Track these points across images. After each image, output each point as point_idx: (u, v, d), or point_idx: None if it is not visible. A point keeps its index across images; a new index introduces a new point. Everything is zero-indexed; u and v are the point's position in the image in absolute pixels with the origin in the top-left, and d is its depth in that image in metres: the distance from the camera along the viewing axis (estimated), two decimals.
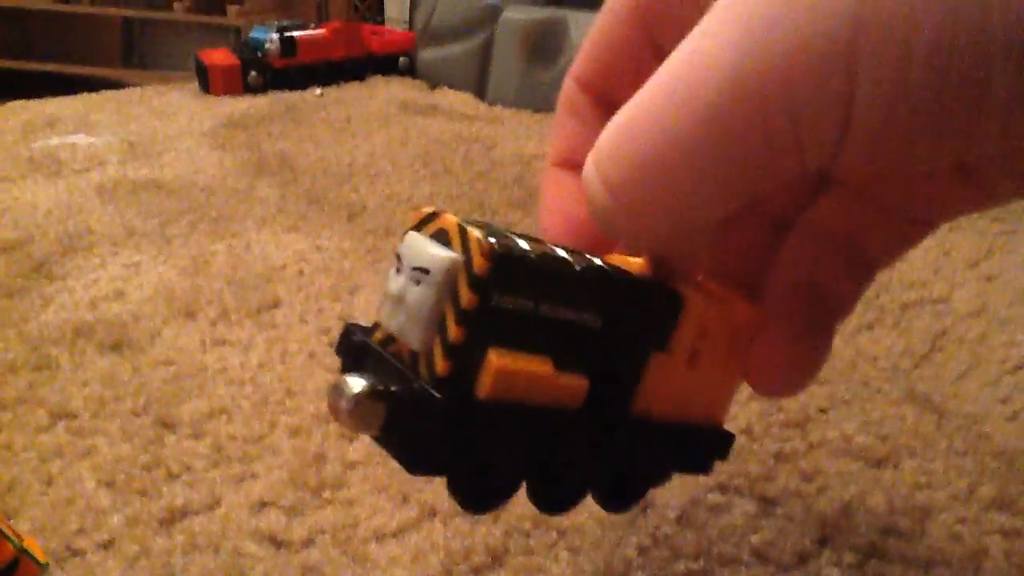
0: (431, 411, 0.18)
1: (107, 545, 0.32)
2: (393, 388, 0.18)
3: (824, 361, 0.23)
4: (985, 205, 0.22)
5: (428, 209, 0.19)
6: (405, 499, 0.34)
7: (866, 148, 0.16)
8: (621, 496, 0.23)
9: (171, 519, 0.33)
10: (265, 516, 0.33)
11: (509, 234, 0.19)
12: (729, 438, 0.25)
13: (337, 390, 0.18)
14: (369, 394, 0.18)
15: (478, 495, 0.20)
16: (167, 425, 0.38)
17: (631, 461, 0.23)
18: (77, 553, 0.31)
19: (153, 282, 0.52)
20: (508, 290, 0.18)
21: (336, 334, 0.44)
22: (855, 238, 0.23)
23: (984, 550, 0.31)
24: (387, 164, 0.73)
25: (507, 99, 0.97)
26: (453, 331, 0.18)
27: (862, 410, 0.39)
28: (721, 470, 0.35)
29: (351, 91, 1.02)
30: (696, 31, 0.17)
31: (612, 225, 0.19)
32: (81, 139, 0.82)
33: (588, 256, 0.20)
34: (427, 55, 1.10)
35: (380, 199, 0.65)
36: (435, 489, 0.34)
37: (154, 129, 0.86)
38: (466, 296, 0.17)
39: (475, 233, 0.18)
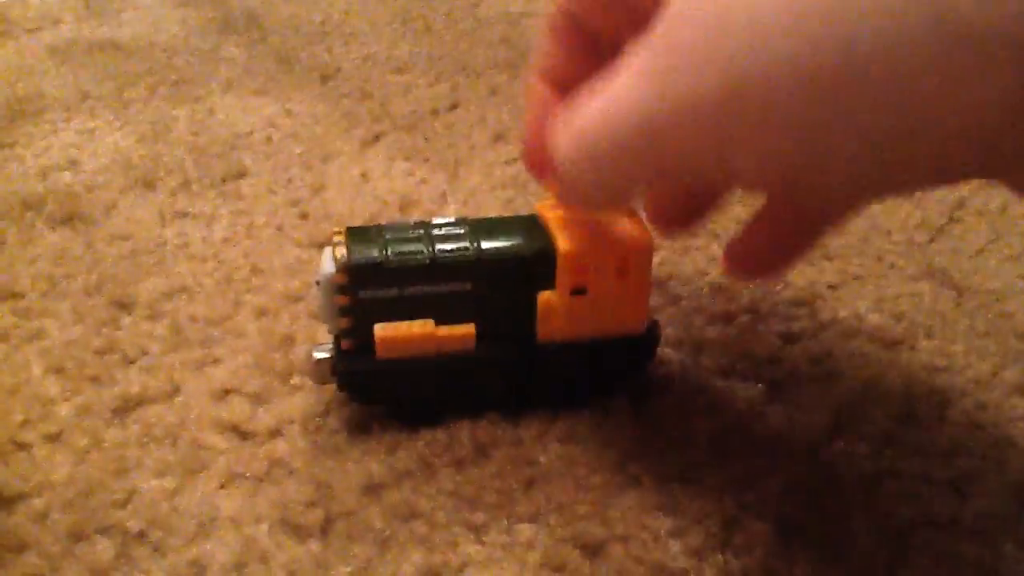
0: (351, 369, 0.28)
1: (55, 437, 0.29)
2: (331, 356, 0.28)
3: (800, 256, 0.25)
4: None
5: (338, 230, 0.28)
6: None
7: (754, 176, 0.19)
8: (568, 399, 0.30)
9: (125, 408, 0.30)
10: (228, 404, 0.30)
11: (388, 239, 0.28)
12: (650, 342, 0.30)
13: (308, 355, 0.29)
14: (320, 360, 0.28)
15: (408, 417, 0.29)
16: (122, 306, 0.35)
17: (554, 376, 0.29)
18: (22, 446, 0.29)
19: (109, 150, 0.48)
20: (369, 287, 0.27)
21: (307, 206, 0.40)
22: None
23: (1008, 439, 0.29)
24: (363, 22, 0.68)
25: None
26: (340, 321, 0.28)
27: (876, 287, 0.36)
28: (725, 353, 0.32)
29: None
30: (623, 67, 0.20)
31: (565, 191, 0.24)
32: None
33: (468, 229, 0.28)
34: None
35: (356, 61, 0.60)
36: None
37: None
38: (339, 298, 0.27)
39: (339, 252, 0.27)
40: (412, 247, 0.27)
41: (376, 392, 0.29)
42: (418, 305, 0.28)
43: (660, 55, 0.19)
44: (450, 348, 0.28)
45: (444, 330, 0.28)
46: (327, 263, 0.27)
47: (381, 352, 0.28)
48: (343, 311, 0.27)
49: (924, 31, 0.15)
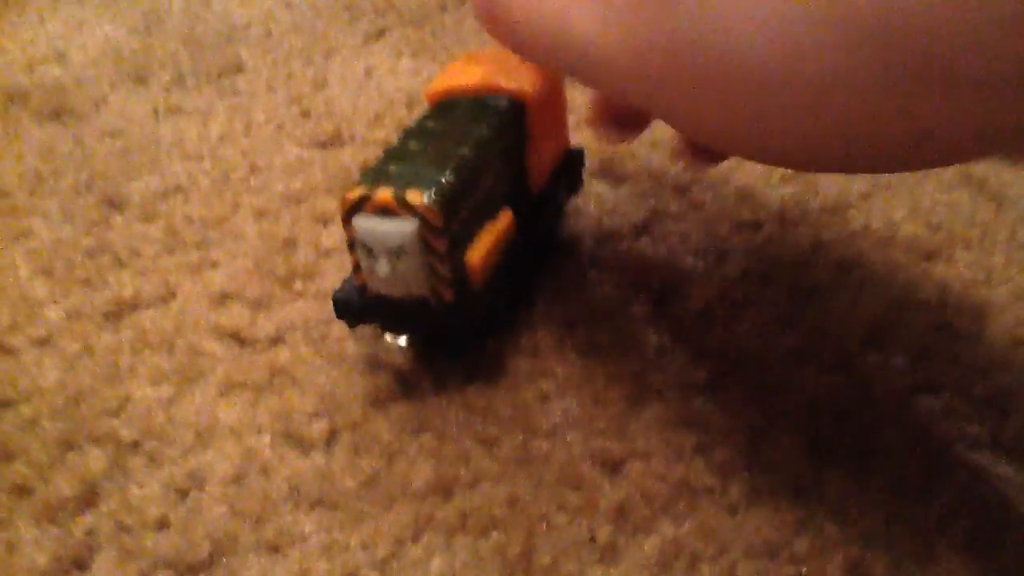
0: (462, 319, 0.24)
1: (43, 342, 0.28)
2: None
3: None
4: None
5: (357, 193, 0.23)
6: None
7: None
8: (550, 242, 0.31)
9: (118, 312, 0.29)
10: (226, 310, 0.29)
11: (418, 161, 0.24)
12: (579, 152, 0.31)
13: (388, 347, 0.27)
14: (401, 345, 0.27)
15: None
16: (114, 205, 0.33)
17: (543, 224, 0.30)
18: (9, 351, 0.27)
19: (98, 42, 0.45)
20: (454, 215, 0.23)
21: (308, 103, 0.38)
22: None
23: None
24: None
25: None
26: (445, 270, 0.23)
27: (910, 196, 0.34)
28: (749, 257, 0.31)
29: None
30: None
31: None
32: None
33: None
34: None
35: None
36: None
37: None
38: (440, 244, 0.23)
39: (414, 198, 0.22)
40: (442, 153, 0.24)
41: (481, 327, 0.27)
42: (473, 217, 0.25)
43: None
44: (509, 240, 0.26)
45: (502, 224, 0.26)
46: (391, 227, 0.23)
47: (477, 282, 0.24)
48: (444, 258, 0.23)
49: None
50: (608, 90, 0.22)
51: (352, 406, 0.25)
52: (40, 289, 0.29)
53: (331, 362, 0.27)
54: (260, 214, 0.33)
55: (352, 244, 0.24)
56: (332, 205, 0.33)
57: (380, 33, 0.46)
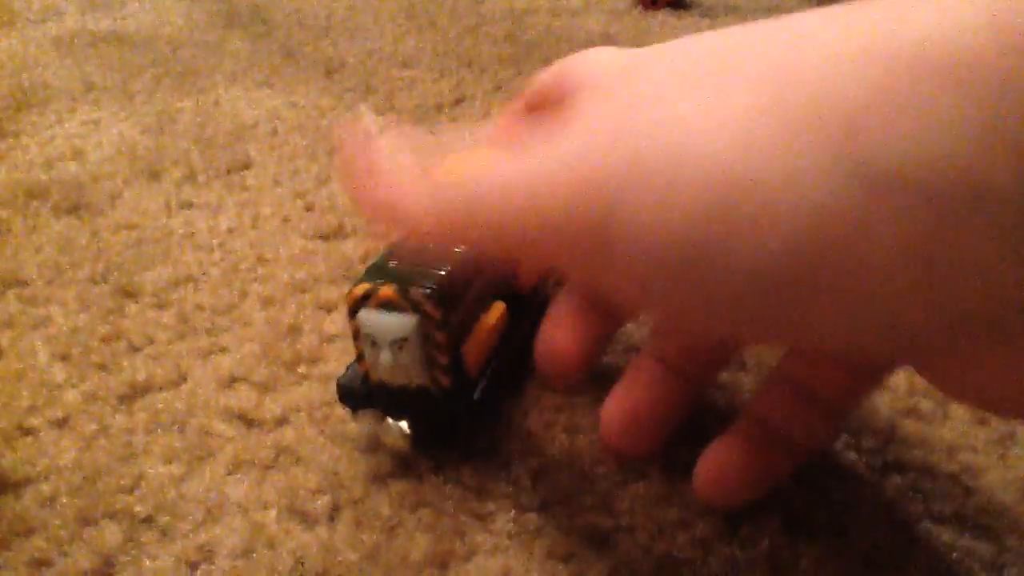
0: (459, 405, 0.26)
1: (62, 423, 0.29)
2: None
3: (772, 483, 0.25)
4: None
5: (362, 289, 0.25)
6: None
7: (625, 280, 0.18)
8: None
9: (132, 395, 0.30)
10: (235, 392, 0.30)
11: (415, 262, 0.25)
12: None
13: (389, 431, 0.27)
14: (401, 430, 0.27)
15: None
16: (128, 294, 0.35)
17: (536, 311, 0.29)
18: (29, 431, 0.29)
19: (114, 140, 0.48)
20: (452, 310, 0.25)
21: (312, 198, 0.40)
22: (812, 384, 0.24)
23: (1011, 434, 0.29)
24: (368, 17, 0.68)
25: None
26: (443, 359, 0.25)
27: None
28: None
29: None
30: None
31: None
32: None
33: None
34: None
35: (360, 55, 0.60)
36: None
37: None
38: (439, 336, 0.25)
39: (415, 294, 0.24)
40: (440, 253, 0.26)
41: (476, 413, 0.27)
42: (471, 305, 0.27)
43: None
44: (500, 332, 0.29)
45: (494, 316, 0.28)
46: (395, 320, 0.25)
47: (472, 370, 0.27)
48: (442, 349, 0.25)
49: (831, 171, 0.15)
50: (552, 250, 0.20)
51: (354, 483, 0.27)
52: (58, 373, 0.31)
53: (334, 442, 0.28)
54: (267, 302, 0.35)
55: (357, 336, 0.25)
56: (335, 294, 0.35)
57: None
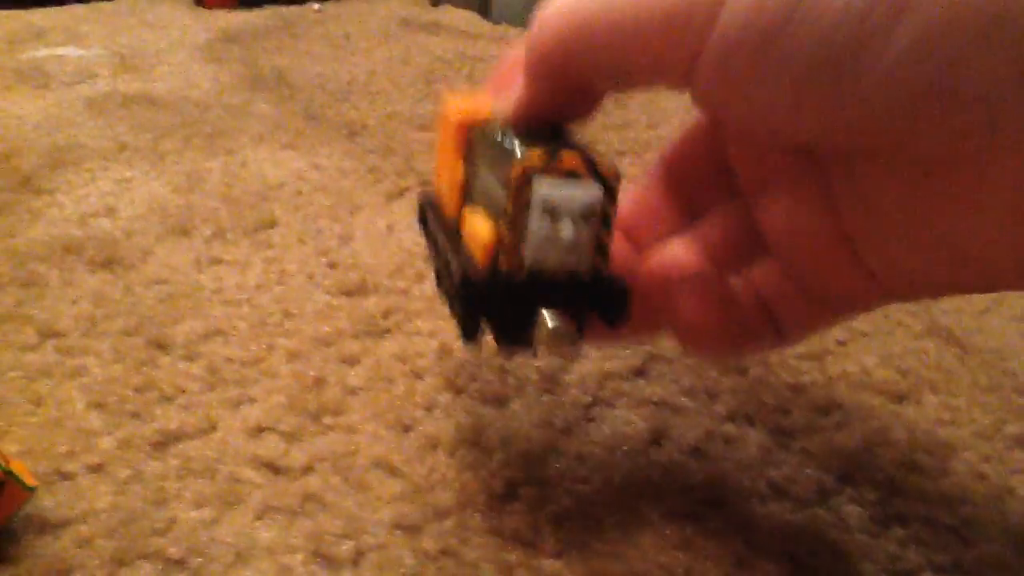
0: (622, 298, 0.23)
1: (98, 468, 0.30)
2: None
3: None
4: (884, 298, 0.23)
5: (538, 155, 0.22)
6: (407, 428, 0.32)
7: (718, 66, 0.19)
8: None
9: (164, 442, 0.32)
10: (263, 441, 0.32)
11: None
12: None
13: (556, 332, 0.22)
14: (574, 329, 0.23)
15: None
16: (160, 346, 0.37)
17: None
18: (67, 476, 0.30)
19: (145, 198, 0.50)
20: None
21: (335, 256, 0.42)
22: (773, 303, 0.25)
23: (1009, 489, 0.30)
24: (387, 82, 0.70)
25: (512, 17, 0.94)
26: (610, 241, 0.22)
27: (883, 343, 0.38)
28: (736, 398, 0.34)
29: (350, 6, 0.99)
30: None
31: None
32: (70, 51, 0.79)
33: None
34: None
35: (381, 118, 0.63)
36: (436, 420, 0.33)
37: (145, 42, 0.83)
38: (614, 211, 0.22)
39: (604, 162, 0.22)
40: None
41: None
42: None
43: None
44: None
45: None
46: (583, 190, 0.22)
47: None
48: (611, 232, 0.23)
49: None
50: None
51: (377, 529, 0.28)
52: (95, 421, 0.32)
53: (357, 489, 0.30)
54: (293, 355, 0.36)
55: (520, 212, 0.22)
56: (358, 348, 0.37)
57: (401, 192, 0.51)
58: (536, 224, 0.22)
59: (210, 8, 0.96)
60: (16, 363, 0.35)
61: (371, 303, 0.40)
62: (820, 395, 0.34)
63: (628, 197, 0.26)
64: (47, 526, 0.28)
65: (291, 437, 0.32)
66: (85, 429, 0.32)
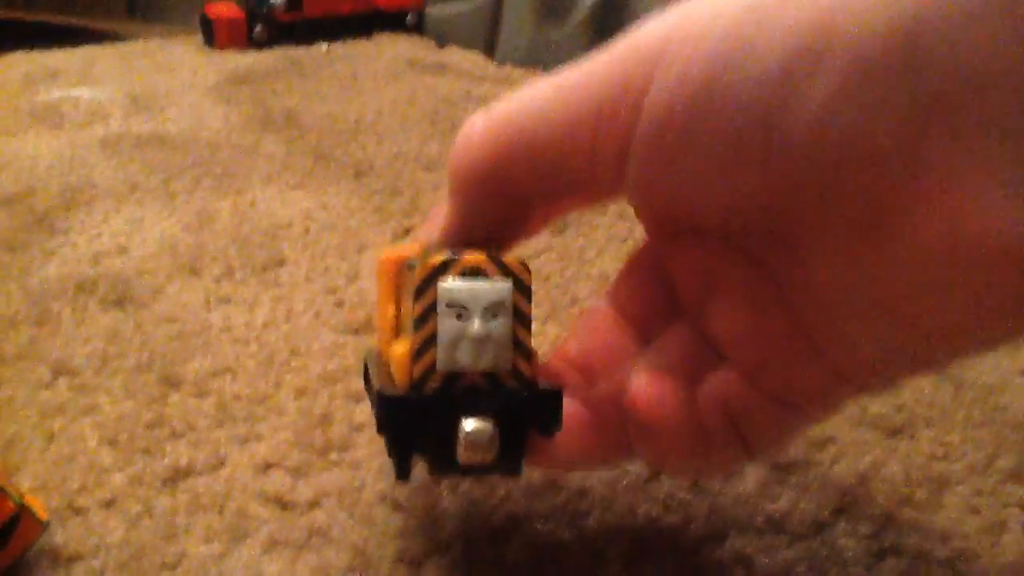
0: (551, 402, 0.22)
1: (109, 503, 0.31)
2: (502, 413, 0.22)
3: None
4: (853, 391, 0.22)
5: (441, 257, 0.22)
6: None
7: (647, 160, 0.19)
8: None
9: (175, 478, 0.32)
10: (270, 477, 0.32)
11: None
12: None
13: (473, 437, 0.21)
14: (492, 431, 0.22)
15: None
16: (171, 383, 0.38)
17: None
18: (79, 511, 0.31)
19: (156, 238, 0.51)
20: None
21: (343, 294, 0.43)
22: (738, 416, 0.23)
23: (1002, 522, 0.31)
24: (395, 122, 0.72)
25: (517, 58, 0.96)
26: (528, 340, 0.22)
27: None
28: None
29: (358, 47, 1.00)
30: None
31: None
32: (83, 92, 0.81)
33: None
34: (435, 12, 1.08)
35: (388, 157, 0.64)
36: None
37: (157, 83, 0.85)
38: (528, 309, 0.22)
39: (509, 257, 0.22)
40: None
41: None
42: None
43: None
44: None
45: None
46: (490, 285, 0.22)
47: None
48: (528, 327, 0.22)
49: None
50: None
51: (382, 563, 0.29)
52: (106, 457, 0.33)
53: (363, 524, 0.30)
54: (300, 392, 0.37)
55: (427, 314, 0.21)
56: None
57: (406, 231, 0.52)
58: (444, 324, 0.21)
59: (220, 49, 0.98)
60: (30, 400, 0.36)
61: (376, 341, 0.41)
62: (816, 430, 0.35)
63: (578, 334, 0.27)
64: (60, 560, 0.29)
65: (298, 472, 0.33)
66: (97, 465, 0.33)
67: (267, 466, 0.33)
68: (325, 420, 0.35)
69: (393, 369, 0.23)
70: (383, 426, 0.23)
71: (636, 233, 0.50)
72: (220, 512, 0.31)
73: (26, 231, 0.51)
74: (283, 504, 0.31)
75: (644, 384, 0.23)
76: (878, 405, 0.36)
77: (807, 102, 0.16)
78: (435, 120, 0.72)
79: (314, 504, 0.31)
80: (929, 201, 0.16)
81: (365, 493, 0.32)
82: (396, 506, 0.31)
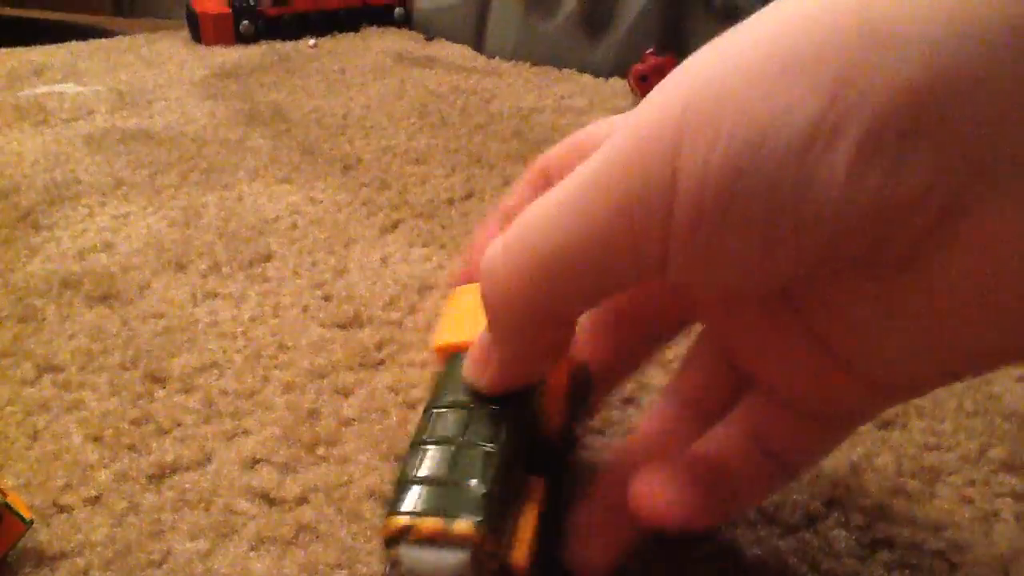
0: None
1: (95, 501, 0.31)
2: None
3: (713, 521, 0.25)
4: (882, 403, 0.24)
5: (400, 522, 0.21)
6: (400, 459, 0.33)
7: (688, 248, 0.18)
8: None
9: (161, 475, 0.32)
10: (257, 473, 0.32)
11: (452, 468, 0.22)
12: (583, 368, 0.28)
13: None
14: None
15: None
16: (157, 379, 0.37)
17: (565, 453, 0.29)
18: (64, 509, 0.31)
19: (142, 233, 0.51)
20: (501, 524, 0.22)
21: (330, 288, 0.42)
22: (771, 438, 0.24)
23: (994, 512, 0.31)
24: (382, 116, 0.71)
25: (506, 51, 0.95)
26: None
27: None
28: None
29: (345, 42, 1.00)
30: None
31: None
32: (69, 88, 0.80)
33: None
34: (423, 5, 1.07)
35: (376, 152, 0.64)
36: None
37: (144, 78, 0.84)
38: (492, 564, 0.21)
39: (462, 528, 0.21)
40: (472, 455, 0.23)
41: None
42: (513, 500, 0.24)
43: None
44: (544, 512, 0.25)
45: (536, 499, 0.25)
46: (441, 557, 0.21)
47: (523, 572, 0.23)
48: (495, 573, 0.22)
49: None
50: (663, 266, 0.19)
51: (370, 559, 0.28)
52: (91, 454, 0.33)
53: (351, 519, 0.30)
54: (287, 387, 0.37)
55: (394, 569, 0.22)
56: (352, 379, 0.37)
57: (394, 225, 0.52)
58: None
59: (207, 44, 0.97)
60: (14, 397, 0.36)
61: (365, 335, 0.40)
62: None
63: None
64: (44, 559, 0.28)
65: (285, 468, 0.32)
66: (82, 462, 0.33)
67: (254, 462, 0.33)
68: (313, 415, 0.35)
69: None
70: None
71: None
72: (207, 509, 0.31)
73: (10, 227, 0.51)
74: (270, 500, 0.31)
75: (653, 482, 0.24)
76: None
77: (833, 170, 0.16)
78: (423, 114, 0.71)
79: (302, 500, 0.31)
80: (969, 236, 0.17)
81: (353, 489, 0.31)
82: (385, 501, 0.31)
